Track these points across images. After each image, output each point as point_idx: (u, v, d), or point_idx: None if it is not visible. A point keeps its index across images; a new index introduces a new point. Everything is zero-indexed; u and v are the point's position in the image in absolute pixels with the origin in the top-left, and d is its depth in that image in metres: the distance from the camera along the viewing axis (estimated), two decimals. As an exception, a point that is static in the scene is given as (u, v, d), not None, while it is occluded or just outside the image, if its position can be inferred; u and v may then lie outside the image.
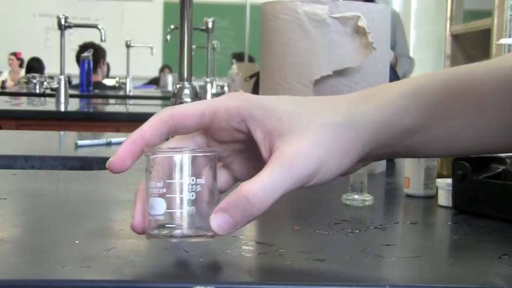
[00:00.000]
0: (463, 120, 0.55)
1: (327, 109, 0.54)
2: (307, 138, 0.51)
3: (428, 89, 0.55)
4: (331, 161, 0.52)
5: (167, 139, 0.56)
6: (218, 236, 0.52)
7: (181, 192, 0.52)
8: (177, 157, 0.53)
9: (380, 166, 1.10)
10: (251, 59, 6.41)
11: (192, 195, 0.52)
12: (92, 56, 4.58)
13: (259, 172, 0.51)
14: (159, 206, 0.52)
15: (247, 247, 0.60)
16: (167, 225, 0.52)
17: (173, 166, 0.52)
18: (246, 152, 0.56)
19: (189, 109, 0.53)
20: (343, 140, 0.53)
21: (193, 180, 0.52)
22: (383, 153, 0.57)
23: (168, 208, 0.52)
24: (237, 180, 0.59)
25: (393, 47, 3.42)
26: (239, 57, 6.63)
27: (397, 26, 3.42)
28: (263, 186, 0.50)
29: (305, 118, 0.53)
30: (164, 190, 0.52)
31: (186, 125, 0.54)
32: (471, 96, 0.54)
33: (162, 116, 0.53)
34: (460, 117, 0.55)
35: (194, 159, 0.53)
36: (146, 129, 0.53)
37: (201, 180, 0.52)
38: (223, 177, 0.58)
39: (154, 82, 7.04)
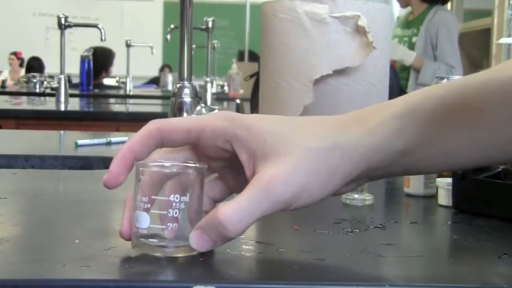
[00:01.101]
0: (459, 137, 0.53)
1: (313, 132, 0.53)
2: (288, 163, 0.51)
3: (423, 108, 0.53)
4: (313, 186, 0.52)
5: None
6: (192, 250, 0.54)
7: (165, 209, 0.53)
8: (164, 174, 0.54)
9: (380, 165, 1.10)
10: (254, 57, 6.41)
11: (176, 212, 0.53)
12: (102, 59, 4.59)
13: (237, 196, 0.52)
14: (143, 220, 0.54)
15: (247, 247, 0.60)
16: (150, 239, 0.54)
17: (159, 183, 0.54)
18: (237, 166, 0.56)
19: (176, 124, 0.55)
20: (326, 165, 0.52)
21: (177, 198, 0.53)
22: (376, 175, 0.56)
23: (151, 223, 0.53)
24: (232, 191, 0.59)
25: (433, 49, 3.35)
26: (243, 55, 6.63)
27: (439, 29, 3.35)
28: (237, 210, 0.50)
29: (289, 141, 0.52)
30: (149, 205, 0.53)
31: (173, 139, 0.55)
32: (467, 112, 0.52)
33: (150, 129, 0.54)
34: (457, 133, 0.53)
35: (180, 176, 0.54)
36: (135, 143, 0.54)
37: (185, 198, 0.53)
38: (218, 188, 0.59)
39: (154, 81, 7.05)
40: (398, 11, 4.44)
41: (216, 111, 1.10)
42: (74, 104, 3.21)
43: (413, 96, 0.55)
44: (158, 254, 0.54)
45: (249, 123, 0.54)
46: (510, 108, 0.51)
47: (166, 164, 0.55)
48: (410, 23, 3.50)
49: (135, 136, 0.55)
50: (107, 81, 5.29)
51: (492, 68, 0.55)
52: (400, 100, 0.55)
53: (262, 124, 0.54)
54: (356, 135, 0.53)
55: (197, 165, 0.55)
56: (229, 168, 0.58)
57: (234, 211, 0.50)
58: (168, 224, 0.53)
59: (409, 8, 3.66)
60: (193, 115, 0.58)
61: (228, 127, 0.54)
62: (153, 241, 0.54)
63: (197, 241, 0.52)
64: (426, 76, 3.23)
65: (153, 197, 0.53)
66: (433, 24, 3.38)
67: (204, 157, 0.57)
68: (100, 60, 4.77)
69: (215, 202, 0.59)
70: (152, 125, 0.55)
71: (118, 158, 0.54)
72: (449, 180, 0.80)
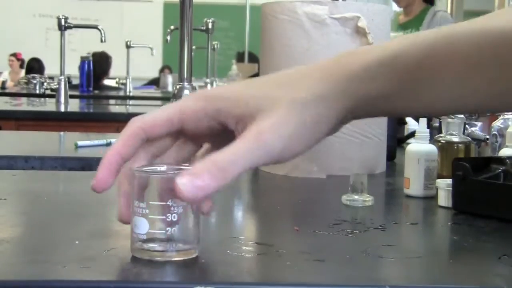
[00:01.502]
0: (445, 85, 0.53)
1: (296, 86, 0.53)
2: (275, 116, 0.51)
3: (408, 55, 0.53)
4: (302, 136, 0.52)
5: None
6: (196, 249, 0.54)
7: (163, 214, 0.53)
8: (160, 179, 0.54)
9: (380, 166, 1.10)
10: (254, 58, 6.41)
11: (174, 217, 0.53)
12: (100, 65, 4.60)
13: (229, 146, 0.51)
14: (142, 226, 0.53)
15: (247, 248, 0.60)
16: (149, 244, 0.54)
17: (156, 188, 0.54)
18: (227, 136, 0.55)
19: (156, 118, 0.54)
20: (312, 115, 0.52)
21: (175, 202, 0.53)
22: (357, 115, 0.56)
23: (150, 228, 0.53)
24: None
25: None
26: (242, 56, 6.63)
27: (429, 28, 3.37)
28: (229, 156, 0.50)
29: (272, 98, 0.52)
30: (147, 211, 0.53)
31: (157, 134, 0.55)
32: (454, 61, 0.52)
33: (133, 130, 0.54)
34: (443, 81, 0.53)
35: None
36: (120, 146, 0.54)
37: (183, 203, 0.53)
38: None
39: (154, 82, 7.04)
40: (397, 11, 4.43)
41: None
42: (74, 105, 3.21)
43: (402, 42, 0.54)
44: (158, 259, 0.54)
45: (228, 95, 0.54)
46: (502, 59, 0.51)
47: (161, 169, 0.55)
48: (407, 25, 3.49)
49: (119, 139, 0.54)
50: (107, 81, 5.29)
51: (480, 18, 0.54)
52: (386, 45, 0.54)
53: (240, 91, 0.54)
54: (338, 82, 0.53)
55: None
56: (219, 139, 0.57)
57: (229, 154, 0.50)
58: (167, 228, 0.53)
59: (396, 10, 3.64)
60: (169, 103, 0.57)
61: (208, 105, 0.53)
62: (153, 246, 0.54)
63: (186, 185, 0.48)
64: None
65: (150, 202, 0.53)
66: (435, 24, 3.38)
67: (193, 137, 0.56)
68: (98, 66, 4.76)
69: None
70: (134, 125, 0.54)
71: (105, 163, 0.54)
72: (449, 181, 0.80)
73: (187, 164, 0.56)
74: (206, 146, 0.59)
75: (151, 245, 0.54)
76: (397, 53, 0.53)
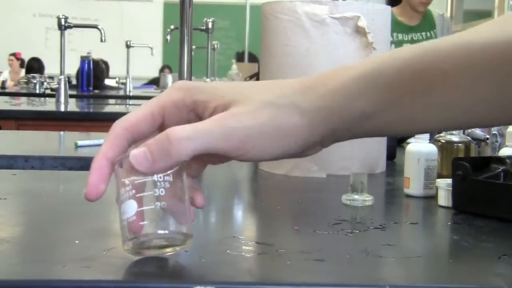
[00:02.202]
0: (425, 100, 0.52)
1: (273, 90, 0.53)
2: (244, 108, 0.51)
3: (387, 70, 0.52)
4: (267, 139, 0.51)
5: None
6: (187, 237, 0.53)
7: (150, 190, 0.52)
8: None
9: (380, 166, 1.10)
10: (253, 58, 6.41)
11: (162, 191, 0.52)
12: (97, 73, 4.59)
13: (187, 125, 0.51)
14: (131, 207, 0.52)
15: (247, 247, 0.60)
16: (141, 238, 0.52)
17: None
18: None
19: (138, 116, 0.54)
20: (284, 122, 0.51)
21: (160, 177, 0.52)
22: (341, 136, 0.55)
23: (139, 207, 0.52)
24: (207, 163, 0.58)
25: None
26: (242, 56, 6.62)
27: (449, 32, 3.40)
28: (186, 130, 0.50)
29: (248, 95, 0.53)
30: (133, 191, 0.52)
31: (142, 131, 0.54)
32: (434, 76, 0.51)
33: (117, 132, 0.54)
34: (422, 97, 0.51)
35: None
36: (106, 150, 0.53)
37: (169, 178, 0.52)
38: (194, 164, 0.57)
39: (154, 82, 7.04)
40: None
41: None
42: (74, 105, 3.21)
43: (381, 58, 0.53)
44: (153, 253, 0.53)
45: (206, 88, 0.54)
46: (478, 72, 0.51)
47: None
48: (417, 27, 3.49)
49: (105, 143, 0.54)
50: (107, 81, 5.29)
51: (462, 33, 0.54)
52: (367, 61, 0.54)
53: (219, 86, 0.54)
54: (316, 96, 0.52)
55: None
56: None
57: (183, 130, 0.50)
58: (157, 203, 0.52)
59: (391, 10, 3.64)
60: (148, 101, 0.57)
61: (186, 97, 0.54)
62: (143, 240, 0.52)
63: (136, 155, 0.50)
64: None
65: (136, 182, 0.52)
66: (446, 27, 3.41)
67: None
68: (96, 73, 4.76)
69: (193, 177, 0.57)
70: (117, 127, 0.54)
71: (95, 169, 0.53)
72: (449, 181, 0.80)
73: None
74: None
75: (141, 240, 0.52)
76: (374, 69, 0.52)
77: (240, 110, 0.51)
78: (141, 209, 0.52)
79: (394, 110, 0.52)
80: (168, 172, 0.52)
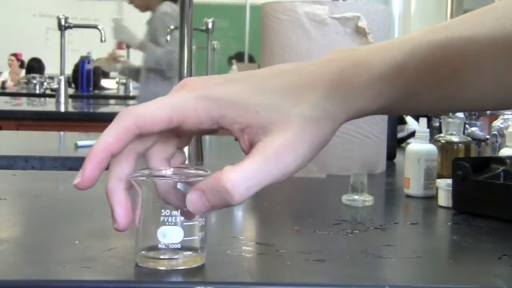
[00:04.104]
0: (434, 94, 0.54)
1: (303, 99, 0.52)
2: (291, 132, 0.50)
3: (407, 67, 0.53)
4: (313, 153, 0.52)
5: None
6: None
7: (197, 219, 0.52)
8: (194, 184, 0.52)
9: (380, 166, 1.10)
10: (251, 59, 6.41)
11: (203, 220, 0.53)
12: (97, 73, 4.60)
13: (241, 162, 0.49)
14: (176, 234, 0.52)
15: (247, 247, 0.60)
16: (152, 252, 0.52)
17: (175, 193, 0.52)
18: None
19: (154, 116, 0.51)
20: (322, 133, 0.52)
21: None
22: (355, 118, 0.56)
23: (185, 235, 0.52)
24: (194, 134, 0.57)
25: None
26: (237, 57, 6.61)
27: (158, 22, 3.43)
28: (247, 178, 0.48)
29: (283, 110, 0.51)
30: (181, 218, 0.52)
31: (153, 131, 0.52)
32: (456, 64, 0.52)
33: (127, 126, 0.51)
34: (432, 91, 0.54)
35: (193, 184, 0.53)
36: (112, 143, 0.51)
37: None
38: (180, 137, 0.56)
39: (154, 82, 7.04)
40: (398, 12, 4.42)
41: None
42: (74, 105, 3.21)
43: (401, 51, 0.53)
44: (163, 268, 0.52)
45: (234, 99, 0.51)
46: (498, 63, 0.52)
47: (167, 172, 0.54)
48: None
49: (110, 134, 0.51)
50: (106, 83, 5.29)
51: (478, 17, 0.54)
52: (388, 55, 0.53)
53: (248, 97, 0.52)
54: (343, 98, 0.52)
55: (208, 171, 0.53)
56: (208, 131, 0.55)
57: (243, 179, 0.48)
58: (199, 233, 0.53)
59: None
60: (166, 96, 0.54)
61: (213, 110, 0.51)
62: (159, 253, 0.52)
63: (195, 203, 0.49)
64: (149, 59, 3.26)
65: (185, 209, 0.51)
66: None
67: (184, 133, 0.54)
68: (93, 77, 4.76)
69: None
70: (128, 121, 0.51)
71: (93, 159, 0.51)
72: (449, 181, 0.80)
73: (188, 167, 0.55)
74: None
75: (154, 253, 0.52)
76: (397, 66, 0.53)
77: (287, 139, 0.50)
78: (187, 238, 0.52)
79: (410, 100, 0.54)
80: None
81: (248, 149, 0.51)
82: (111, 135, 0.51)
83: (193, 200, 0.49)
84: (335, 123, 0.52)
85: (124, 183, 0.52)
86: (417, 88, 0.53)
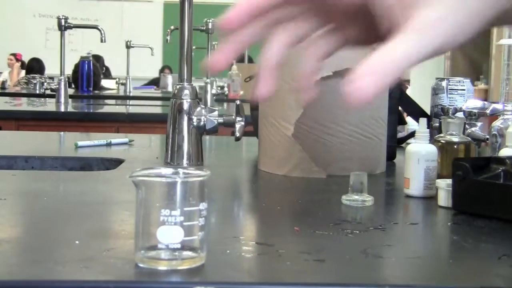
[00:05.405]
0: None
1: None
2: (439, 5, 0.48)
3: None
4: (465, 26, 0.49)
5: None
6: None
7: (194, 219, 0.52)
8: (196, 182, 0.52)
9: (380, 166, 1.10)
10: (250, 60, 6.42)
11: (203, 220, 0.53)
12: (97, 73, 4.59)
13: (393, 39, 0.47)
14: (176, 235, 0.52)
15: (247, 248, 0.60)
16: (153, 252, 0.52)
17: (193, 191, 0.52)
18: (363, 19, 0.52)
19: None
20: (469, 6, 0.49)
21: (203, 205, 0.53)
22: (506, 18, 0.53)
23: (186, 235, 0.52)
24: (347, 44, 0.56)
25: None
26: (237, 57, 6.60)
27: None
28: (405, 49, 0.46)
29: None
30: (182, 218, 0.52)
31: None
32: None
33: None
34: None
35: (202, 183, 0.53)
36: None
37: (205, 205, 0.53)
38: (333, 39, 0.56)
39: (154, 82, 7.04)
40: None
41: (215, 112, 1.10)
42: (74, 106, 3.21)
43: None
44: (163, 268, 0.52)
45: None
46: None
47: (167, 172, 0.54)
48: None
49: None
50: (106, 83, 5.28)
51: None
52: None
53: None
54: None
55: (208, 171, 0.54)
56: (353, 21, 0.54)
57: (403, 49, 0.46)
58: (199, 233, 0.53)
59: None
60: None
61: None
62: (159, 253, 0.52)
63: (361, 88, 0.45)
64: None
65: (185, 209, 0.51)
66: None
67: (325, 11, 0.53)
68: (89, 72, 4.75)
69: (325, 56, 0.55)
70: None
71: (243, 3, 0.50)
72: (449, 181, 0.80)
73: (188, 167, 0.55)
74: (328, 27, 0.56)
75: (156, 253, 0.52)
76: None
77: (439, 10, 0.48)
78: (187, 238, 0.52)
79: None
80: (205, 199, 0.53)
81: (389, 28, 0.49)
82: None
83: (360, 86, 0.45)
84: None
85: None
86: None
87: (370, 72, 0.46)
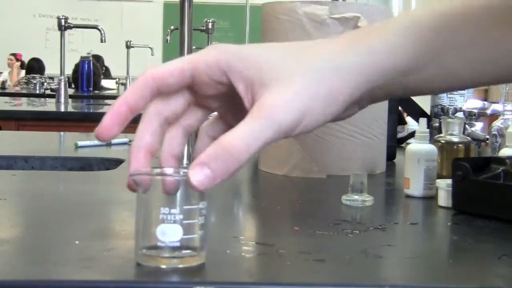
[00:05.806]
0: (461, 55, 0.53)
1: (312, 55, 0.52)
2: (288, 87, 0.49)
3: (425, 24, 0.52)
4: (315, 109, 0.50)
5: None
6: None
7: (193, 218, 0.52)
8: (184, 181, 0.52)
9: (380, 166, 1.10)
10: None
11: (203, 219, 0.53)
12: (97, 73, 4.60)
13: (237, 124, 0.48)
14: (176, 233, 0.51)
15: (247, 248, 0.60)
16: (153, 250, 0.52)
17: (188, 190, 0.52)
18: (236, 103, 0.53)
19: (168, 68, 0.52)
20: (327, 87, 0.50)
21: (203, 204, 0.52)
22: (378, 95, 0.55)
23: (184, 234, 0.51)
24: (225, 121, 0.57)
25: None
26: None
27: None
28: (242, 137, 0.48)
29: (288, 66, 0.51)
30: (181, 216, 0.51)
31: (168, 84, 0.52)
32: (469, 30, 0.52)
33: (144, 78, 0.52)
34: (458, 51, 0.52)
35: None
36: (129, 95, 0.52)
37: (205, 203, 0.53)
38: (219, 127, 0.57)
39: (154, 82, 7.04)
40: (398, 12, 4.42)
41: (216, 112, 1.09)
42: (74, 105, 3.21)
43: (420, 12, 0.53)
44: (163, 266, 0.52)
45: (244, 52, 0.52)
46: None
47: (169, 171, 0.54)
48: None
49: (129, 88, 0.52)
50: (106, 83, 5.29)
51: None
52: (407, 14, 0.54)
53: (257, 52, 0.52)
54: (357, 55, 0.51)
55: None
56: (229, 105, 0.55)
57: (239, 137, 0.47)
58: (199, 232, 0.52)
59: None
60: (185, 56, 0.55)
61: (222, 59, 0.51)
62: (158, 251, 0.52)
63: (198, 178, 0.47)
64: None
65: (185, 207, 0.51)
66: None
67: (202, 97, 0.54)
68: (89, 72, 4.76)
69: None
70: (146, 74, 0.52)
71: (112, 112, 0.52)
72: (449, 181, 0.80)
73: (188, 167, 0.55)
74: (212, 117, 0.57)
75: (155, 251, 0.52)
76: (414, 22, 0.52)
77: (282, 92, 0.49)
78: (186, 237, 0.52)
79: (432, 64, 0.53)
80: (205, 198, 0.52)
81: (250, 109, 0.51)
82: (129, 87, 0.52)
83: (194, 173, 0.47)
84: (345, 80, 0.51)
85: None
86: (439, 46, 0.52)
87: (207, 161, 0.47)
